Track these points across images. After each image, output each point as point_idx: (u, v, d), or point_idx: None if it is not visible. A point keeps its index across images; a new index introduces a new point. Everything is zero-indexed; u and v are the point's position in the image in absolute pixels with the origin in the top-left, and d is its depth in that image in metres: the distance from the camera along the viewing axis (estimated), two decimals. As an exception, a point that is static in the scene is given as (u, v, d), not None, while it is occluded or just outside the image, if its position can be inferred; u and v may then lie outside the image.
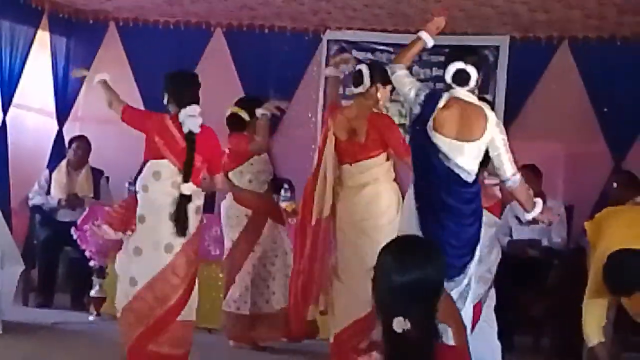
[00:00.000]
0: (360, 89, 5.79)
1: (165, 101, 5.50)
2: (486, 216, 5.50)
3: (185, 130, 5.30)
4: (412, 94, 4.86)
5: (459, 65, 4.93)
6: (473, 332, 4.91)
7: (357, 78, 5.81)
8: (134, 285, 5.23)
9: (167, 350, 5.28)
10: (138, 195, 5.37)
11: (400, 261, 2.76)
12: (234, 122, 6.78)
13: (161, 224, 5.27)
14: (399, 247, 2.88)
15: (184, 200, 5.27)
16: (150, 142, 5.35)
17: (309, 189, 5.92)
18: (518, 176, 4.85)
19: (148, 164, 5.37)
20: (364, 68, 5.82)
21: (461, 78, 4.90)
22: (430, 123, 4.76)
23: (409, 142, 5.13)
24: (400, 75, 4.98)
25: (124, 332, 5.28)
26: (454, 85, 4.91)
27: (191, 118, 5.32)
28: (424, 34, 5.07)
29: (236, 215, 6.69)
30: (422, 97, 4.85)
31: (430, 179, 4.75)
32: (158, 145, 5.30)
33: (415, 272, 2.73)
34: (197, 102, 5.43)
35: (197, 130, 5.33)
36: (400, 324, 2.67)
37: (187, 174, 5.28)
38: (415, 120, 4.84)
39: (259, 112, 6.67)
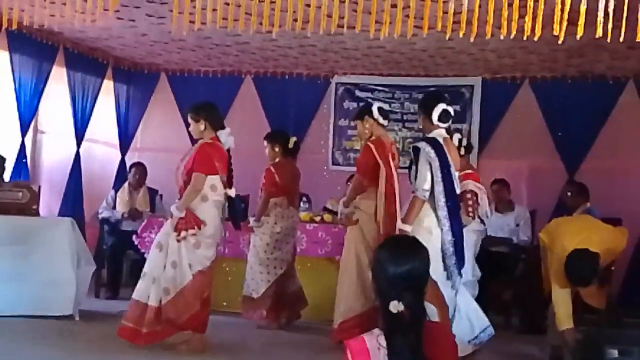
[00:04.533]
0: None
1: (202, 127, 5.39)
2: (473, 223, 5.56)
3: (226, 147, 5.45)
4: (429, 169, 4.78)
5: (443, 106, 4.92)
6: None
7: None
8: (189, 269, 5.23)
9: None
10: (197, 205, 5.26)
11: (394, 256, 2.78)
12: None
13: (217, 227, 5.37)
14: (392, 245, 2.91)
15: (232, 200, 5.47)
16: (210, 164, 5.31)
17: None
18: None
19: (207, 180, 5.28)
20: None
21: (447, 117, 4.91)
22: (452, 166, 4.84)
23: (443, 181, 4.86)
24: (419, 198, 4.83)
25: (183, 307, 5.23)
26: (440, 125, 4.90)
27: (230, 137, 5.47)
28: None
29: None
30: (432, 153, 4.75)
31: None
32: (217, 166, 5.33)
33: (406, 264, 2.74)
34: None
35: (233, 146, 5.51)
36: (395, 306, 2.67)
37: (230, 182, 5.47)
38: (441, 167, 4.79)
39: None
